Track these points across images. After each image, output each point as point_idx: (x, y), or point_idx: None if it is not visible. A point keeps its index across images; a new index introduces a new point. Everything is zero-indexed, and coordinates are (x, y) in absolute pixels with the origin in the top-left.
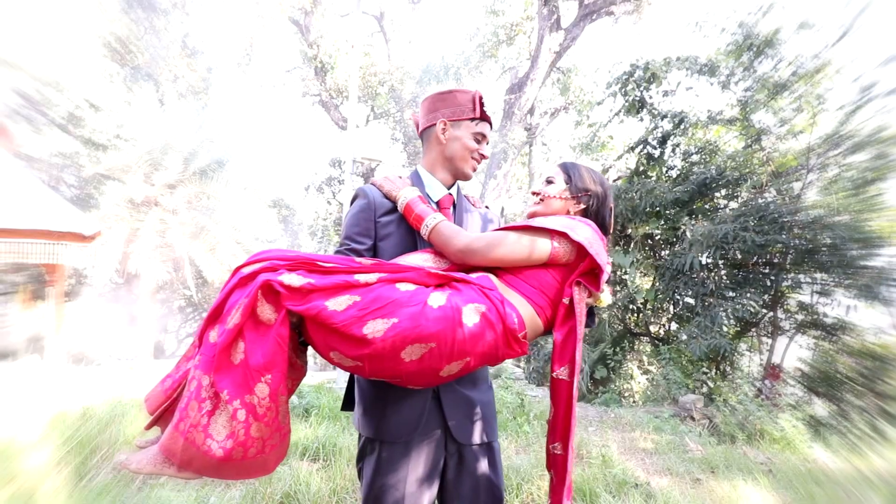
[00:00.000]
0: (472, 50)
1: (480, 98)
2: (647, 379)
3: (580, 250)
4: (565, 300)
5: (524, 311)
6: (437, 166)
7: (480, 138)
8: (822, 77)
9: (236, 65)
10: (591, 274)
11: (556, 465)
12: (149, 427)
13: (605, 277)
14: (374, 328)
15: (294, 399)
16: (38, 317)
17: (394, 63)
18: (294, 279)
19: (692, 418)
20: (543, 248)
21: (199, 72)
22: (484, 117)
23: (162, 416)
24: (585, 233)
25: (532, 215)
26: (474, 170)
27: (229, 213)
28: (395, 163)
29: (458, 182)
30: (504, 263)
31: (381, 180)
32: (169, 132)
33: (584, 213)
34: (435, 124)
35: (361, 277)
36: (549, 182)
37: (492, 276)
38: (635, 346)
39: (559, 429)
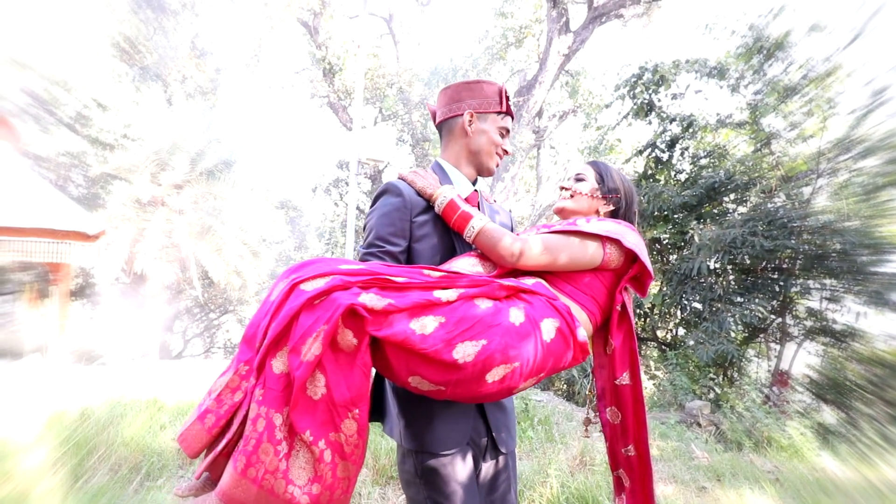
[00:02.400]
0: (480, 52)
1: (506, 92)
2: (653, 384)
3: (628, 256)
4: (618, 306)
5: (580, 318)
6: (461, 160)
7: (505, 133)
8: (833, 81)
9: (245, 66)
10: (636, 279)
11: (632, 467)
12: (199, 476)
13: (651, 283)
14: (465, 352)
15: None
16: (42, 316)
17: (402, 65)
18: (374, 300)
19: (699, 425)
20: (597, 253)
21: (207, 72)
22: (509, 111)
23: (215, 461)
24: (634, 238)
25: (560, 210)
26: (497, 166)
27: (236, 213)
28: (402, 164)
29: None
30: (562, 269)
31: (412, 175)
32: (176, 132)
33: (613, 214)
34: (461, 115)
35: (442, 295)
36: (579, 179)
37: (545, 283)
38: (642, 351)
39: (630, 432)
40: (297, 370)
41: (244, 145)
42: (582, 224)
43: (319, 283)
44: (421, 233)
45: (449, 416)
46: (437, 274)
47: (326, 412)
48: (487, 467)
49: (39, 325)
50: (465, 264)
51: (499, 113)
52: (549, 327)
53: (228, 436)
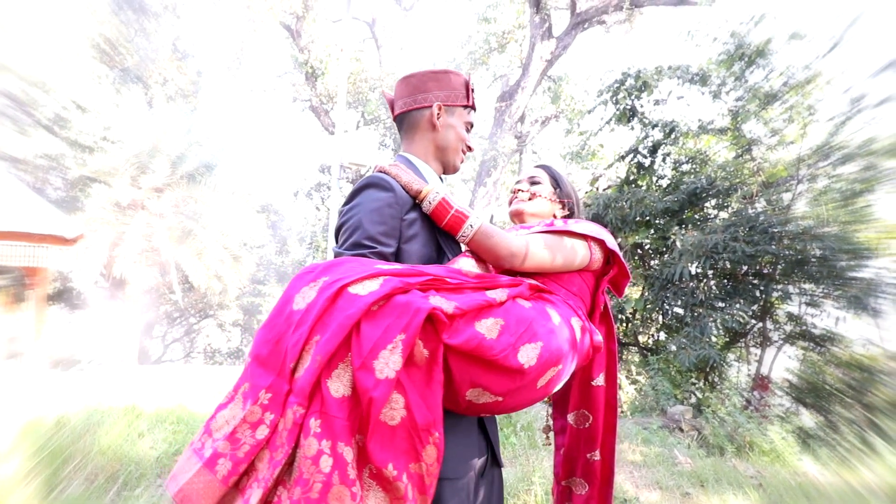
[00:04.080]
0: (463, 57)
1: (472, 84)
2: (635, 389)
3: (606, 257)
4: (601, 307)
5: None
6: (429, 156)
7: (469, 128)
8: (812, 88)
9: (226, 69)
10: (613, 280)
11: (594, 473)
12: None
13: (627, 283)
14: (528, 355)
15: None
16: (18, 320)
17: (385, 69)
18: (444, 303)
19: (681, 429)
20: (585, 254)
21: (188, 75)
22: (474, 105)
23: None
24: (612, 239)
25: (519, 213)
26: (462, 162)
27: (217, 217)
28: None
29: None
30: (557, 270)
31: (395, 169)
32: (157, 135)
33: (568, 218)
34: (428, 107)
35: (495, 295)
36: (535, 182)
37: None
38: (623, 356)
39: (599, 436)
40: (375, 390)
41: (225, 149)
42: (572, 225)
43: (373, 286)
44: (410, 232)
45: (458, 434)
46: (474, 272)
47: (407, 439)
48: (486, 483)
49: (15, 330)
50: (468, 265)
51: (465, 107)
52: (577, 326)
53: (260, 486)
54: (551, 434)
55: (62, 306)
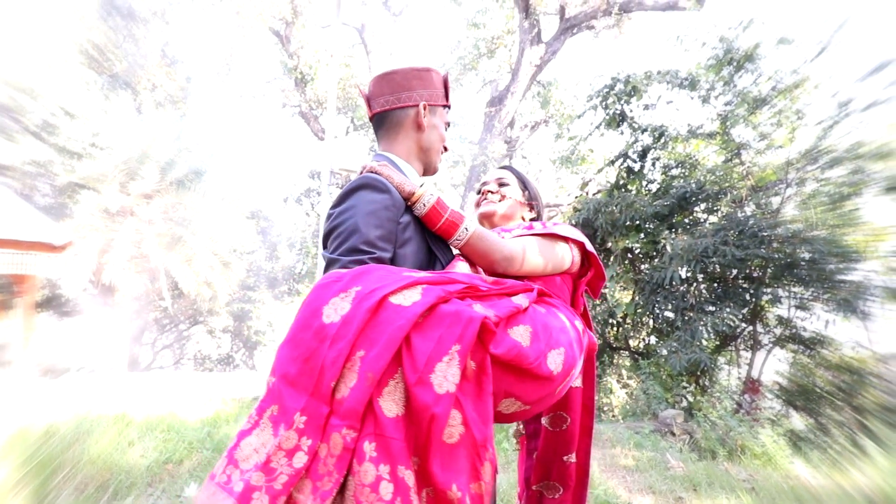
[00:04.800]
0: (452, 62)
1: (448, 81)
2: (626, 393)
3: (583, 259)
4: (580, 309)
5: None
6: (412, 156)
7: (447, 127)
8: (800, 92)
9: (216, 74)
10: (589, 282)
11: (569, 476)
12: None
13: (603, 284)
14: (556, 361)
15: None
16: (6, 328)
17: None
18: (488, 312)
19: (672, 434)
20: (567, 256)
21: (177, 81)
22: (450, 105)
23: None
24: (589, 242)
25: (490, 214)
26: (440, 163)
27: (206, 223)
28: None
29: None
30: (549, 273)
31: (386, 170)
32: (146, 141)
33: (535, 220)
34: (414, 106)
35: (519, 301)
36: (503, 184)
37: None
38: (614, 361)
39: (575, 439)
40: (436, 406)
41: (215, 155)
42: (553, 227)
43: (415, 296)
44: (405, 236)
45: None
46: (490, 279)
47: (467, 457)
48: None
49: (3, 338)
50: (464, 269)
51: (444, 106)
52: (580, 329)
53: None
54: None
55: (51, 314)
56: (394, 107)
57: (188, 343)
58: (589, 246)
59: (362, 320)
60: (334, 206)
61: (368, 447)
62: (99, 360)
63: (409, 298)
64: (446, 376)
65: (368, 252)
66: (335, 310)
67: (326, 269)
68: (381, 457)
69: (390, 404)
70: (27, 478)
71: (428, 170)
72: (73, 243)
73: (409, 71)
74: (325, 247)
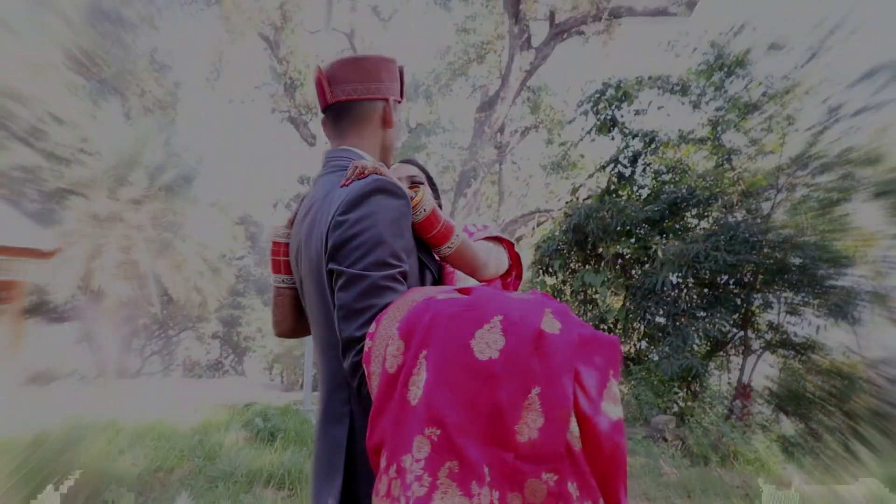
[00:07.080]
0: (442, 68)
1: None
2: None
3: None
4: None
5: None
6: (375, 155)
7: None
8: (791, 98)
9: (205, 80)
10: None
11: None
12: None
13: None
14: None
15: (258, 422)
16: None
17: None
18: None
19: (665, 439)
20: (505, 258)
21: (166, 86)
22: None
23: None
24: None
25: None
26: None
27: (196, 229)
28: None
29: None
30: (497, 276)
31: (387, 171)
32: (135, 147)
33: None
34: (384, 100)
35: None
36: (419, 182)
37: None
38: None
39: None
40: (617, 435)
41: (204, 160)
42: (491, 229)
43: (555, 323)
44: (412, 246)
45: None
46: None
47: (623, 482)
48: None
49: None
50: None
51: (399, 102)
52: None
53: None
54: None
55: (39, 320)
56: (362, 97)
57: (177, 349)
58: (516, 246)
59: (527, 354)
60: (344, 213)
61: (572, 488)
62: (87, 366)
63: (552, 326)
64: (610, 402)
65: (397, 266)
66: (487, 345)
67: (346, 285)
68: (585, 495)
69: (574, 439)
70: (17, 487)
71: None
72: (61, 249)
73: (378, 60)
74: (330, 258)
